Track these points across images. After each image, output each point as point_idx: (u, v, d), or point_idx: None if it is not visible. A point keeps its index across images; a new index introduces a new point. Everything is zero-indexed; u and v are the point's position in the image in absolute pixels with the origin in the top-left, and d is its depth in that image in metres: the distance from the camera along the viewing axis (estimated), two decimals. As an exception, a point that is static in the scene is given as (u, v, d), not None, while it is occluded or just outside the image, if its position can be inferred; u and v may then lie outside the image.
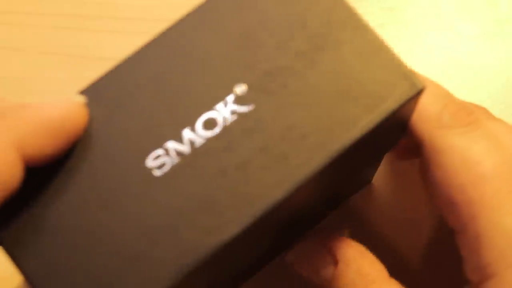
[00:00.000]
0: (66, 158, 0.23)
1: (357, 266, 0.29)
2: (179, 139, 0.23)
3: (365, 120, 0.24)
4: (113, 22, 0.38)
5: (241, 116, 0.24)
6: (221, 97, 0.24)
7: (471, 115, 0.27)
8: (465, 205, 0.27)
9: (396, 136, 0.28)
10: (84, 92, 0.24)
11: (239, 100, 0.24)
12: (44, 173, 0.23)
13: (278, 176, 0.23)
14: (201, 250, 0.22)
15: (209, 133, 0.23)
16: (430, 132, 0.27)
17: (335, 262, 0.30)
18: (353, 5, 0.39)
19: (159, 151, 0.23)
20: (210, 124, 0.24)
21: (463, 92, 0.37)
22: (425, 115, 0.27)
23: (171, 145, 0.23)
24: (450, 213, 0.27)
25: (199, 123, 0.24)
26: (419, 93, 0.24)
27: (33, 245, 0.23)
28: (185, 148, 0.23)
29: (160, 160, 0.23)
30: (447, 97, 0.28)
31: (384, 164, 0.36)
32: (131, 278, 0.22)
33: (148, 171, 0.23)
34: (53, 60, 0.38)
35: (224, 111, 0.24)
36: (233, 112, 0.24)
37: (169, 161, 0.23)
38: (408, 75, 0.24)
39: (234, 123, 0.24)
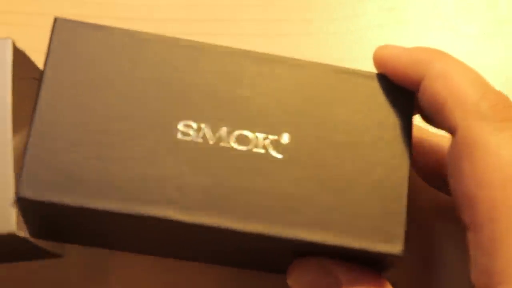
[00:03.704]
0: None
1: (362, 286, 0.28)
2: (215, 129, 0.27)
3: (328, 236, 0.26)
4: (113, 22, 0.38)
5: (265, 154, 0.27)
6: (268, 131, 0.27)
7: (510, 110, 0.26)
8: (487, 204, 0.25)
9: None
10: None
11: (275, 144, 0.27)
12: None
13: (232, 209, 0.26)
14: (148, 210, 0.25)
15: (235, 144, 0.27)
16: (467, 121, 0.26)
17: (338, 284, 0.28)
18: (353, 5, 0.39)
19: (194, 124, 0.26)
20: (243, 140, 0.27)
21: (463, 92, 0.37)
22: (463, 102, 0.26)
23: (206, 128, 0.26)
24: (468, 208, 0.26)
25: (238, 131, 0.27)
26: (394, 258, 0.26)
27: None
28: (212, 138, 0.26)
29: (189, 129, 0.26)
30: (485, 86, 0.27)
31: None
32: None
33: (176, 130, 0.26)
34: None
35: (259, 141, 0.27)
36: (263, 147, 0.27)
37: (194, 136, 0.26)
38: (398, 237, 0.26)
39: (257, 155, 0.27)
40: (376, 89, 0.28)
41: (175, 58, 0.27)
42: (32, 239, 0.28)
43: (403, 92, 0.28)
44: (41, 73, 0.26)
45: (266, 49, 0.38)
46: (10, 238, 0.27)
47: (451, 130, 0.27)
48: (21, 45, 0.38)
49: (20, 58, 0.30)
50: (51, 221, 0.27)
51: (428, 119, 0.30)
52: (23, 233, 0.27)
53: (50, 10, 0.38)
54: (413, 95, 0.28)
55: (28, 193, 0.25)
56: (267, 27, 0.38)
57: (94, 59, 0.26)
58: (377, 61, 0.29)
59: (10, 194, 0.27)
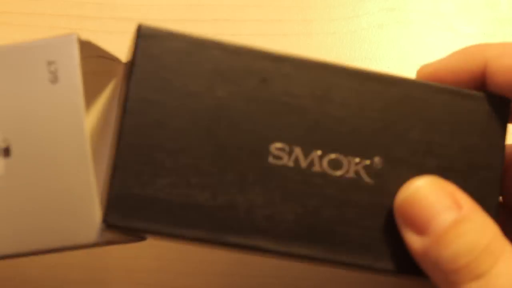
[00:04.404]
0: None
1: (482, 212, 0.25)
2: (307, 152, 0.25)
3: None
4: (112, 22, 0.38)
5: (356, 179, 0.26)
6: (361, 154, 0.26)
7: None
8: None
9: None
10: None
11: (367, 169, 0.25)
12: None
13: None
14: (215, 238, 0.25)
15: (328, 169, 0.25)
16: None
17: (458, 207, 0.25)
18: (353, 5, 0.39)
19: (286, 147, 0.25)
20: (335, 164, 0.25)
21: (463, 92, 0.37)
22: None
23: (298, 152, 0.25)
24: None
25: (331, 155, 0.25)
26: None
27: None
28: (303, 162, 0.25)
29: (281, 152, 0.25)
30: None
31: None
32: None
33: (267, 153, 0.25)
34: (53, 60, 0.38)
35: (352, 166, 0.25)
36: (355, 172, 0.25)
37: (286, 159, 0.25)
38: None
39: (349, 181, 0.25)
40: (472, 109, 0.26)
41: (265, 72, 0.25)
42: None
43: (499, 109, 0.27)
44: (127, 87, 0.25)
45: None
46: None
47: None
48: (21, 45, 0.38)
49: (86, 53, 0.28)
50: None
51: None
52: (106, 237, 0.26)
53: (50, 10, 0.38)
54: (506, 106, 0.27)
55: (117, 221, 0.24)
56: (267, 27, 0.38)
57: (180, 74, 0.25)
58: (426, 79, 0.28)
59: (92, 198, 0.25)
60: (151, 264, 0.35)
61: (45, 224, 0.25)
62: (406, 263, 0.26)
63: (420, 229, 0.25)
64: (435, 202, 0.25)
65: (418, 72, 0.29)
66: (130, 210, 0.24)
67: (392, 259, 0.26)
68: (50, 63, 0.25)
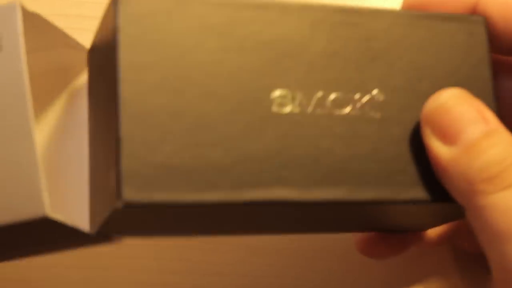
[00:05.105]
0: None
1: (507, 130, 0.26)
2: (309, 95, 0.25)
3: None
4: (112, 22, 0.38)
5: (363, 115, 0.25)
6: (361, 89, 0.26)
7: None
8: None
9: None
10: None
11: (371, 103, 0.26)
12: None
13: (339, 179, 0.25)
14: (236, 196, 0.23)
15: (334, 109, 0.25)
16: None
17: (486, 121, 0.25)
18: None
19: (288, 93, 0.25)
20: (340, 102, 0.25)
21: (463, 92, 0.37)
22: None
23: (301, 96, 0.25)
24: None
25: (333, 94, 0.25)
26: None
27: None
28: (308, 105, 0.25)
29: (283, 99, 0.25)
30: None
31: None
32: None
33: (270, 101, 0.24)
34: (52, 60, 0.38)
35: (356, 102, 0.25)
36: (361, 108, 0.25)
37: (290, 105, 0.25)
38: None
39: (356, 117, 0.25)
40: (455, 30, 0.27)
41: (254, 22, 0.25)
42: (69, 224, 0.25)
43: (475, 24, 0.27)
44: (114, 57, 0.23)
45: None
46: (42, 223, 0.24)
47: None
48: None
49: (34, 25, 0.26)
50: (137, 220, 0.25)
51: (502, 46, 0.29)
52: (60, 216, 0.24)
53: (50, 10, 0.38)
54: (483, 24, 0.27)
55: (136, 196, 0.22)
56: (266, 27, 0.38)
57: (168, 33, 0.24)
58: (412, 6, 0.28)
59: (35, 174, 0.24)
60: (151, 264, 0.35)
61: None
62: (430, 189, 0.25)
63: (450, 138, 0.25)
64: (465, 114, 0.25)
65: (404, 1, 0.29)
66: (146, 182, 0.22)
67: (415, 187, 0.25)
68: None
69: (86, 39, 0.38)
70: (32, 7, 0.38)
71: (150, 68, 0.24)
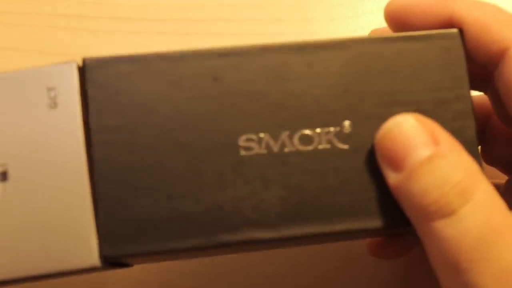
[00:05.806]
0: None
1: (461, 150, 0.24)
2: (275, 136, 0.25)
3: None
4: (112, 22, 0.38)
5: (331, 148, 0.26)
6: (329, 123, 0.26)
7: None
8: None
9: None
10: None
11: (339, 135, 0.26)
12: None
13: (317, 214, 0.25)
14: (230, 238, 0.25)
15: (300, 146, 0.25)
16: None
17: (436, 144, 0.24)
18: (353, 5, 0.39)
19: (253, 136, 0.25)
20: (306, 139, 0.25)
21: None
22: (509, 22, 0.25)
23: (267, 137, 0.25)
24: None
25: (299, 132, 0.26)
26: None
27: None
28: (275, 146, 0.25)
29: (250, 143, 0.25)
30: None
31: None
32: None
33: (237, 147, 0.25)
34: (53, 60, 0.38)
35: (323, 136, 0.26)
36: (328, 141, 0.26)
37: (257, 148, 0.25)
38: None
39: (324, 151, 0.26)
40: (428, 49, 0.26)
41: (215, 70, 0.26)
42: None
43: (451, 39, 0.27)
44: (85, 123, 0.25)
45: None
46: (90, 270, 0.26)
47: (500, 53, 0.25)
48: (21, 45, 0.38)
49: None
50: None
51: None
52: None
53: (49, 10, 0.38)
54: (459, 37, 0.27)
55: (111, 251, 0.24)
56: (267, 27, 0.38)
57: (135, 94, 0.25)
58: (393, 14, 0.28)
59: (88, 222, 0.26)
60: (151, 264, 0.35)
61: (42, 248, 0.25)
62: (399, 216, 0.25)
63: (397, 164, 0.24)
64: (413, 138, 0.24)
65: (386, 9, 0.28)
66: (120, 238, 0.25)
67: (385, 216, 0.25)
68: (49, 89, 0.26)
69: (86, 39, 0.38)
70: (33, 7, 0.38)
71: (119, 129, 0.25)
